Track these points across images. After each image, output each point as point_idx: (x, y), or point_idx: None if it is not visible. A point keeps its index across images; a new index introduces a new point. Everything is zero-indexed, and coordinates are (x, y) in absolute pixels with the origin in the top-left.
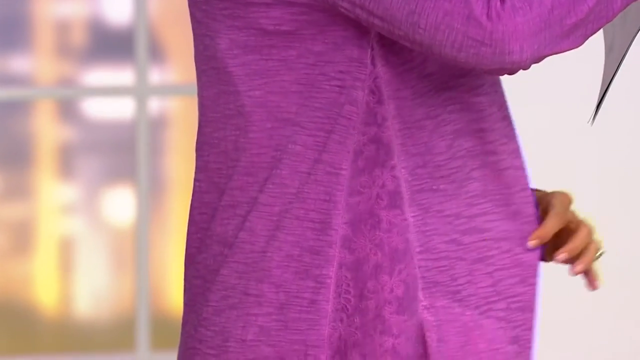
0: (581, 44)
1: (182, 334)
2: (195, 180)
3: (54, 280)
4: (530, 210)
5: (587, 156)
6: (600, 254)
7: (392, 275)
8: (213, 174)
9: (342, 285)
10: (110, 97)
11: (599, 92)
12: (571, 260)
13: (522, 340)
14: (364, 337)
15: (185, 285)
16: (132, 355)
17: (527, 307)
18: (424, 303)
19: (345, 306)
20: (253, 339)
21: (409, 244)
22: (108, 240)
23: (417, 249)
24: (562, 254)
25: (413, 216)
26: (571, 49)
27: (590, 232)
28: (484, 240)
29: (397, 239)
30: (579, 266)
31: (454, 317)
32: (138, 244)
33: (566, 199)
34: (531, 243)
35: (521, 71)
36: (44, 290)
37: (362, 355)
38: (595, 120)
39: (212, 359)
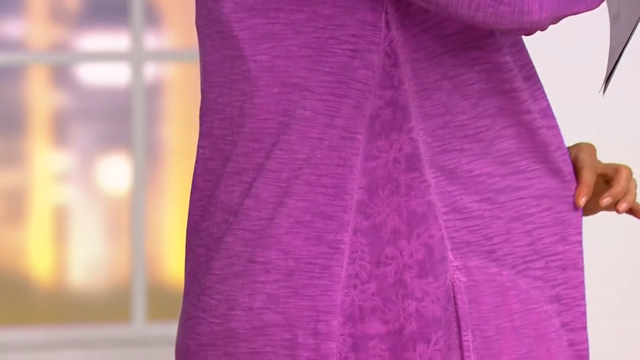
0: (598, 6)
1: (183, 303)
2: (199, 147)
3: (48, 250)
4: (569, 168)
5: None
6: None
7: (410, 239)
8: (217, 140)
9: (357, 251)
10: (105, 62)
11: (607, 63)
12: (614, 205)
13: (566, 299)
14: (385, 303)
15: (187, 255)
16: (127, 326)
17: (570, 265)
18: (455, 264)
19: (360, 272)
20: (260, 306)
21: (430, 206)
22: (103, 208)
23: (442, 210)
24: (606, 198)
25: (434, 177)
26: (588, 10)
27: (629, 174)
28: (521, 198)
29: (416, 202)
30: (624, 205)
31: (490, 277)
32: (134, 213)
33: (593, 150)
34: (581, 202)
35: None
36: (37, 259)
37: (384, 321)
38: (605, 92)
39: (217, 327)
